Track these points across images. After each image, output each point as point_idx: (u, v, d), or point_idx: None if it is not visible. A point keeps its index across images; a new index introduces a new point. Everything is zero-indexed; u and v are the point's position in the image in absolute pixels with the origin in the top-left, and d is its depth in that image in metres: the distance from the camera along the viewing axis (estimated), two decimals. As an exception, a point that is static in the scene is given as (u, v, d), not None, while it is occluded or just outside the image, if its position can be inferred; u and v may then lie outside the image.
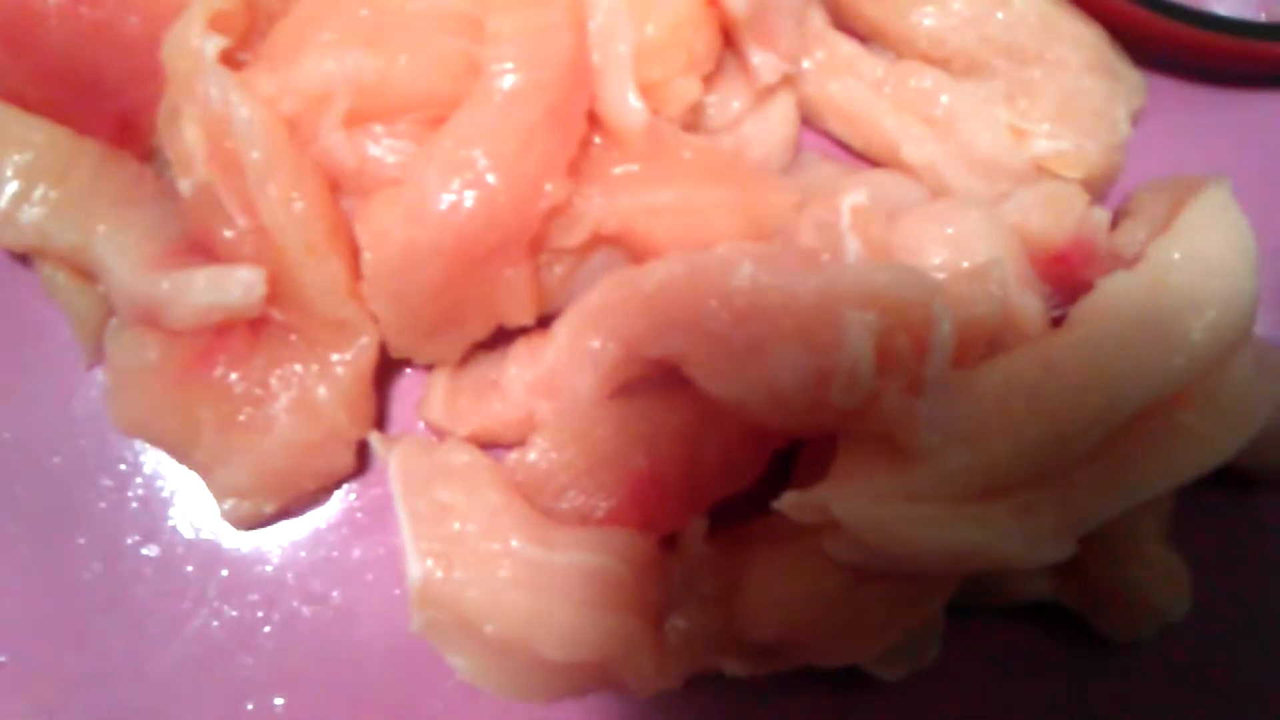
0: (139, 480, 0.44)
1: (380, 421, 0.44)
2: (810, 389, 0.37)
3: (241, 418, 0.40)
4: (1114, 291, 0.41)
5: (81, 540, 0.43)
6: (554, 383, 0.41)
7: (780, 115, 0.45)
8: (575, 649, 0.39)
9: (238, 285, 0.39)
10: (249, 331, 0.41)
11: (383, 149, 0.39)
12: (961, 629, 0.43)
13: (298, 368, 0.41)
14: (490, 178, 0.38)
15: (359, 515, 0.44)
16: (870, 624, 0.40)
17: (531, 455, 0.41)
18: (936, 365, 0.37)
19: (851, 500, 0.38)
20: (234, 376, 0.40)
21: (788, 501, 0.38)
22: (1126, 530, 0.42)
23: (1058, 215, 0.44)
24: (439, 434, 0.43)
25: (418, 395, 0.44)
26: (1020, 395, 0.39)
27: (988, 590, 0.43)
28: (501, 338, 0.43)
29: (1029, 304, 0.42)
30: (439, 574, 0.38)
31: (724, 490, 0.41)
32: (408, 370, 0.45)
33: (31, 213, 0.40)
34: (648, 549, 0.40)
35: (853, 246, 0.41)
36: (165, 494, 0.44)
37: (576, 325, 0.41)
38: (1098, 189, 0.46)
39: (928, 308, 0.37)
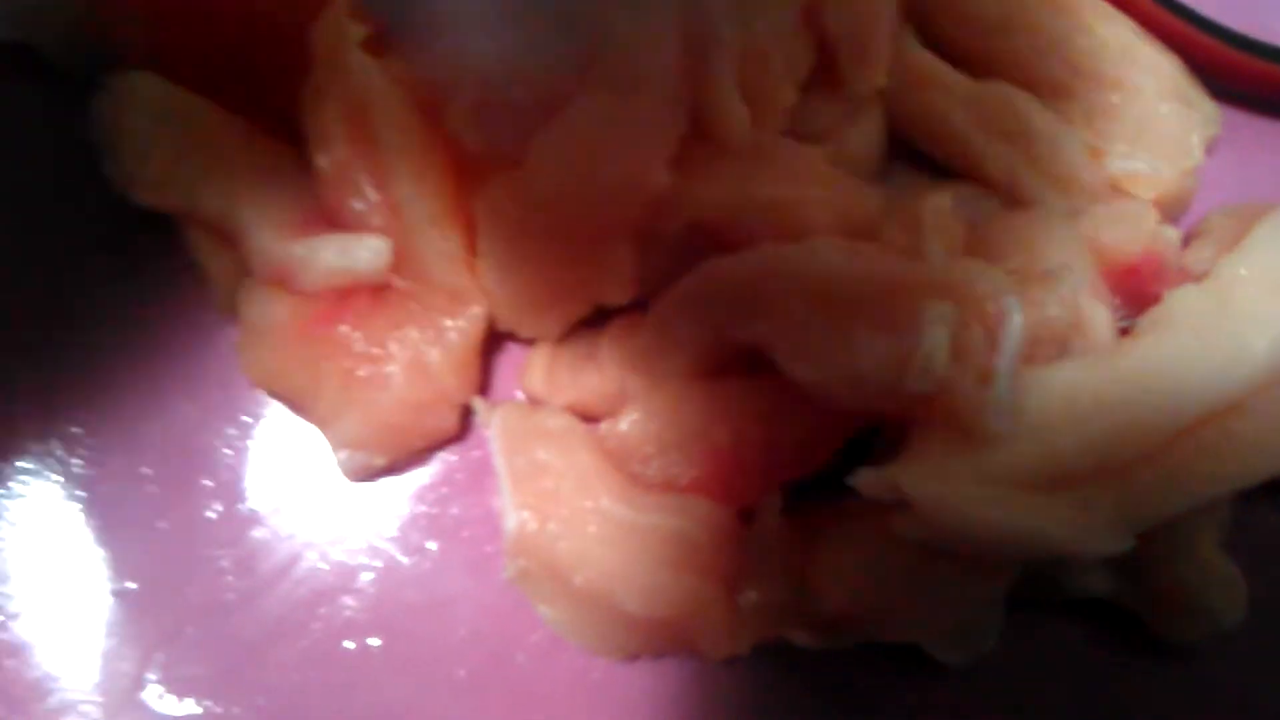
0: (261, 431, 0.47)
1: (484, 390, 0.47)
2: (887, 374, 0.40)
3: (361, 374, 0.44)
4: (1181, 303, 0.43)
5: (206, 482, 0.47)
6: (646, 360, 0.44)
7: (870, 125, 0.48)
8: (653, 605, 0.42)
9: (365, 252, 0.43)
10: (372, 296, 0.44)
11: (504, 134, 0.43)
12: (1021, 622, 0.45)
13: (414, 332, 0.44)
14: (600, 167, 0.42)
15: (458, 476, 0.47)
16: (933, 601, 0.43)
17: (622, 425, 0.44)
18: (1007, 357, 0.40)
19: (921, 479, 0.40)
20: (356, 336, 0.44)
21: (861, 478, 0.41)
22: (1184, 534, 0.44)
23: (1130, 231, 0.46)
24: (537, 404, 0.46)
25: (518, 369, 0.47)
26: (1087, 394, 0.41)
27: (1047, 585, 0.45)
28: (600, 318, 0.46)
29: (1098, 313, 0.44)
30: (533, 526, 0.42)
31: (799, 470, 0.44)
32: (511, 345, 0.48)
33: (183, 178, 0.44)
34: (726, 519, 0.43)
35: (934, 247, 0.44)
36: (284, 446, 0.47)
37: (670, 307, 0.44)
38: (1170, 211, 0.48)
39: (1000, 302, 0.40)
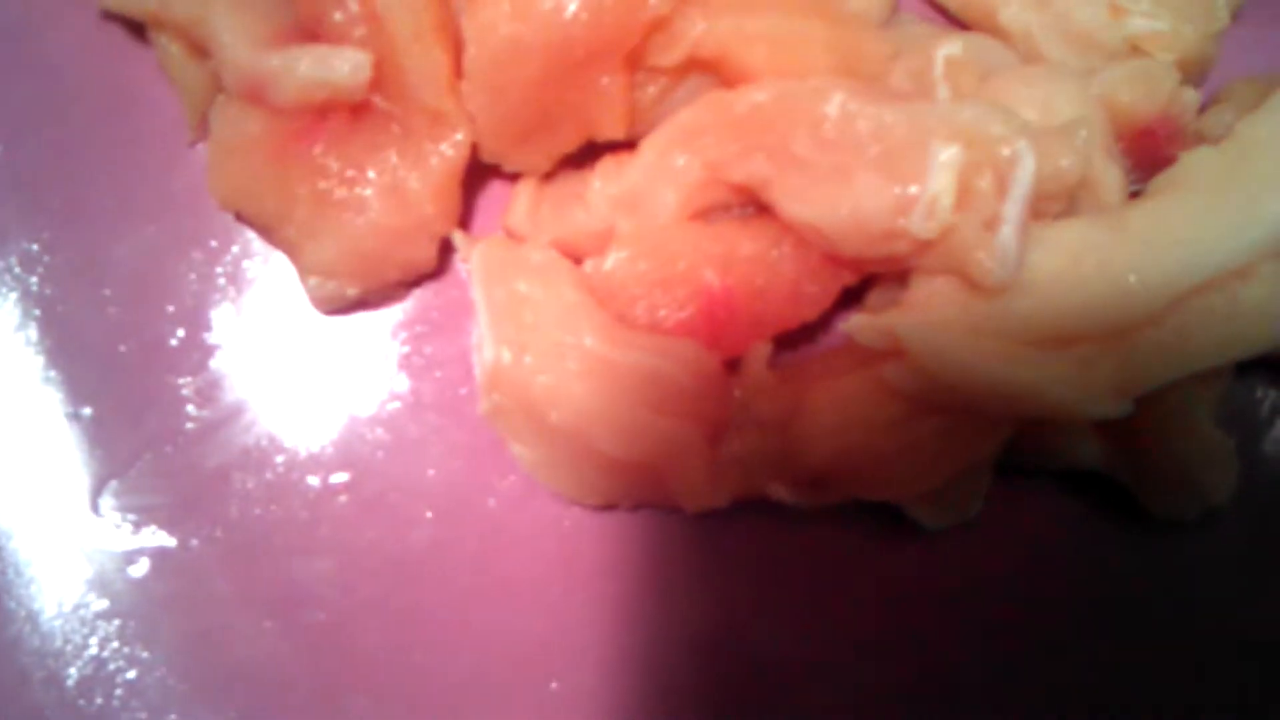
0: (228, 258, 0.45)
1: (464, 226, 0.45)
2: (889, 216, 0.38)
3: (335, 197, 0.42)
4: (1196, 163, 0.41)
5: (170, 308, 0.45)
6: (636, 199, 0.42)
7: (880, -31, 0.46)
8: (631, 446, 0.40)
9: (344, 64, 0.40)
10: (350, 115, 0.42)
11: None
12: (1007, 490, 0.44)
13: (393, 156, 0.42)
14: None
15: (434, 314, 0.45)
16: (920, 459, 0.41)
17: (608, 263, 0.42)
18: (1015, 203, 0.38)
19: (918, 327, 0.39)
20: (332, 157, 0.42)
21: (856, 323, 0.40)
22: (1180, 405, 0.43)
23: (1147, 91, 0.44)
24: (520, 241, 0.44)
25: (501, 208, 0.45)
26: (1092, 252, 0.40)
27: (1037, 451, 0.44)
28: (589, 157, 0.44)
29: (1109, 173, 0.43)
30: (510, 359, 0.40)
31: (791, 319, 0.42)
32: (494, 183, 0.46)
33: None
34: (711, 365, 0.42)
35: (943, 94, 0.42)
36: (251, 274, 0.45)
37: (664, 143, 0.42)
38: (1191, 75, 0.46)
39: (1012, 146, 0.38)
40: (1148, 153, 0.44)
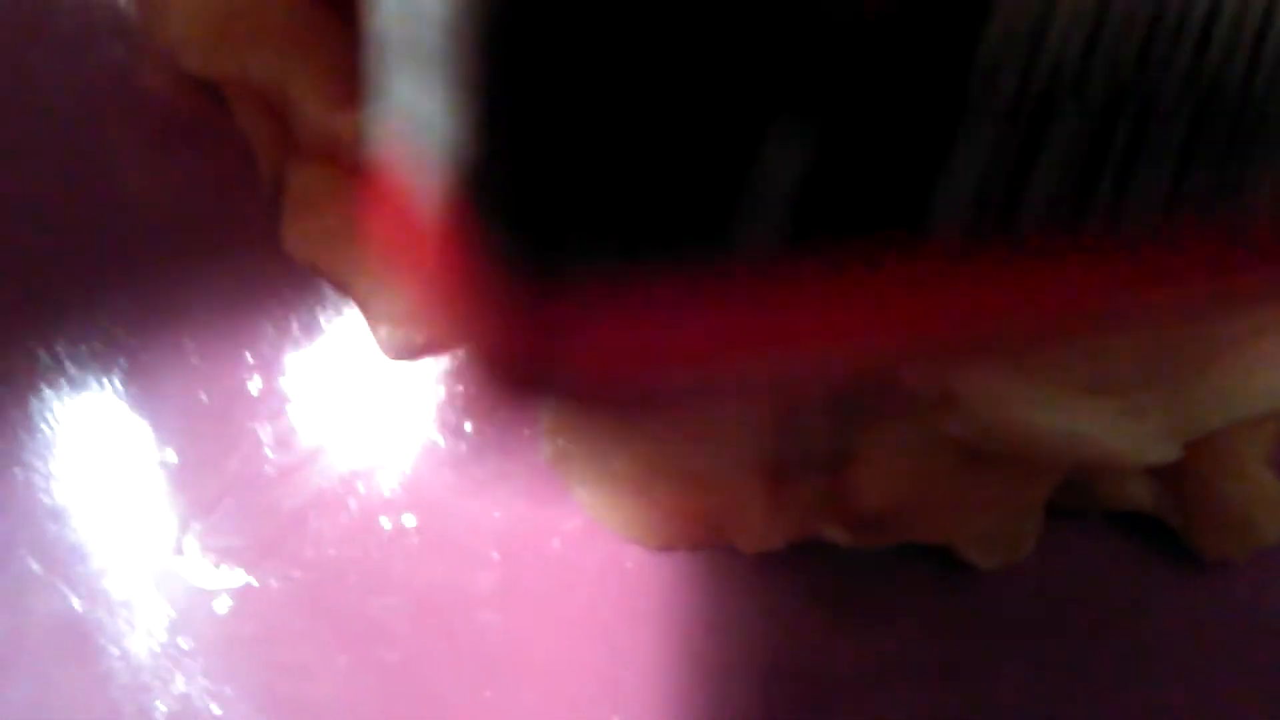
0: (303, 307, 0.47)
1: (526, 275, 0.47)
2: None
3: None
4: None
5: (248, 356, 0.47)
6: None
7: None
8: (690, 491, 0.42)
9: (414, 126, 0.42)
10: (418, 174, 0.44)
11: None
12: (1059, 531, 0.45)
13: (459, 210, 0.44)
14: None
15: (498, 360, 0.47)
16: (973, 503, 0.42)
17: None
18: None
19: (968, 375, 0.40)
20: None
21: (908, 371, 0.41)
22: (1230, 448, 0.43)
23: None
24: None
25: (562, 256, 0.47)
26: (1143, 298, 0.41)
27: (1087, 494, 0.45)
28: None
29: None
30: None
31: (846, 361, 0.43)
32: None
33: (232, 43, 0.44)
34: (766, 409, 0.43)
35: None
36: (326, 323, 0.47)
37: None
38: None
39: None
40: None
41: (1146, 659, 0.45)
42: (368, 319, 0.45)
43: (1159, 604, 0.46)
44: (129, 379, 0.47)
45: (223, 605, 0.45)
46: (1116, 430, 0.40)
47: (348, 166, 0.44)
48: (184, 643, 0.44)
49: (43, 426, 0.46)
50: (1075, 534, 0.46)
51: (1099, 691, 0.45)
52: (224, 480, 0.46)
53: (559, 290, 0.23)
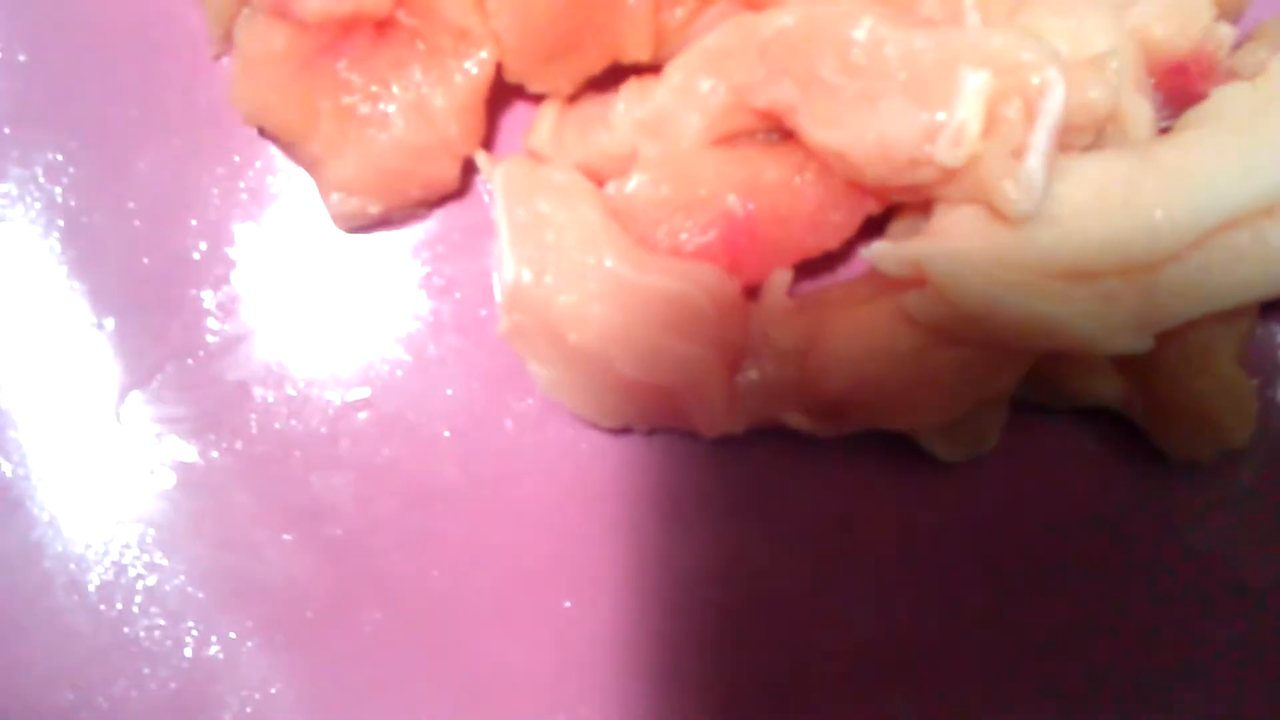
0: (251, 173, 0.45)
1: (487, 147, 0.45)
2: (916, 143, 0.38)
3: (359, 112, 0.41)
4: (1228, 100, 0.41)
5: (192, 221, 0.45)
6: (660, 122, 0.42)
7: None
8: (649, 369, 0.40)
9: (371, -23, 0.40)
10: (375, 32, 0.42)
11: None
12: (1024, 425, 0.44)
13: (417, 74, 0.42)
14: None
15: (455, 235, 0.45)
16: (937, 390, 0.41)
17: (630, 186, 0.42)
18: (1043, 132, 0.38)
19: (940, 257, 0.39)
20: (356, 72, 0.41)
21: (877, 250, 0.39)
22: (1202, 345, 0.42)
23: (1181, 25, 0.43)
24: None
25: (524, 130, 0.45)
26: (1119, 186, 0.39)
27: (1055, 387, 0.44)
28: (614, 79, 0.44)
29: (1139, 107, 0.42)
30: (530, 278, 0.40)
31: (813, 247, 0.42)
32: (518, 105, 0.46)
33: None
34: (732, 290, 0.41)
35: (973, 21, 0.41)
36: (274, 190, 0.45)
37: (690, 67, 0.42)
38: (1226, 11, 0.45)
39: (1042, 74, 0.38)
40: (1179, 89, 0.43)
41: (1106, 556, 0.44)
42: (318, 185, 0.43)
43: (1122, 501, 0.45)
44: (67, 240, 0.44)
45: (161, 477, 0.43)
46: (1088, 316, 0.39)
47: (301, 23, 0.42)
48: (120, 512, 0.43)
49: (-25, 288, 0.44)
50: (1040, 430, 0.45)
51: (1057, 589, 0.44)
52: (165, 348, 0.44)
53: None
